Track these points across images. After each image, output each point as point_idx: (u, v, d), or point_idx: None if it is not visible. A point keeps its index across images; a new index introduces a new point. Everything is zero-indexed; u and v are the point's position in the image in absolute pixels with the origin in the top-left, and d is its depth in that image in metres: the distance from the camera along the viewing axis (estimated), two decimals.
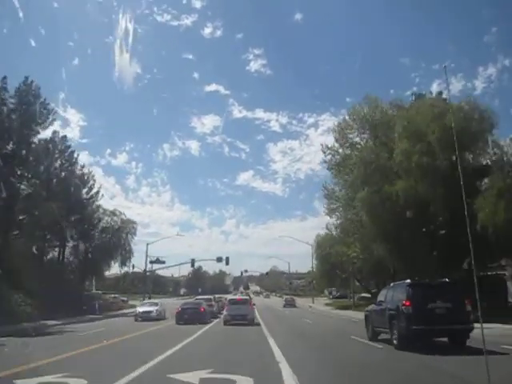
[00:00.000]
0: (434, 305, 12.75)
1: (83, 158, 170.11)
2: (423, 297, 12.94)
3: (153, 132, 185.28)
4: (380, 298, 15.88)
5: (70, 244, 45.20)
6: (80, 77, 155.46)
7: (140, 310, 31.71)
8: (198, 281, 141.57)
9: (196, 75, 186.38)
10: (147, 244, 67.13)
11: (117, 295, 75.90)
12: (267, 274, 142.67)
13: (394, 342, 13.28)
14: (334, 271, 48.89)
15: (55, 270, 42.52)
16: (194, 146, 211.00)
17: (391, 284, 15.99)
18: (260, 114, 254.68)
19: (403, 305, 12.85)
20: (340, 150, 32.38)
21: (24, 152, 31.27)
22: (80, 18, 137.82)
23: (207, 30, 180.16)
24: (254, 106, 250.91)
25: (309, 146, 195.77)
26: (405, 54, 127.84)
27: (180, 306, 27.90)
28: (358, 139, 31.97)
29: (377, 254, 27.69)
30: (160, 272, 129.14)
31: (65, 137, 44.20)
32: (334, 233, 36.41)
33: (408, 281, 13.95)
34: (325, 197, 37.05)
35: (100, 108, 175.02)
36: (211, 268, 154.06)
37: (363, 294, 53.86)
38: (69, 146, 43.61)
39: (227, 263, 67.94)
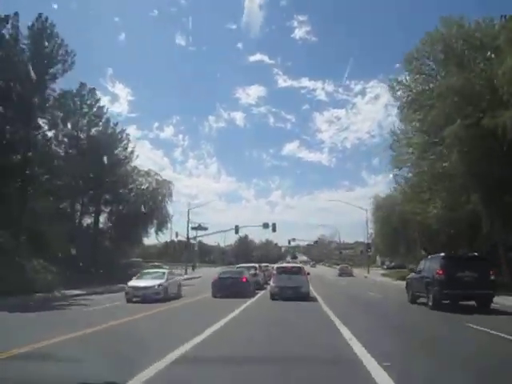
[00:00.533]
0: (463, 274, 15.11)
1: (131, 131, 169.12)
2: (454, 267, 15.37)
3: (198, 104, 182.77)
4: (419, 267, 18.57)
5: (105, 208, 41.78)
6: (127, 51, 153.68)
7: (133, 284, 20.11)
8: (244, 250, 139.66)
9: (240, 45, 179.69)
10: (188, 209, 63.69)
11: (160, 264, 74.13)
12: (316, 242, 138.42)
13: (430, 303, 15.82)
14: (397, 236, 42.79)
15: (88, 235, 39.49)
16: (239, 117, 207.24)
17: (428, 256, 19.23)
18: (305, 82, 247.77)
19: (437, 273, 15.40)
20: (413, 85, 25.77)
21: (38, 99, 26.92)
22: None
23: None
24: (299, 75, 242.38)
25: (356, 115, 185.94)
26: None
27: (218, 275, 23.19)
28: (435, 69, 25.11)
29: (468, 210, 21.51)
30: (205, 241, 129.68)
31: (93, 90, 39.98)
32: (405, 188, 29.82)
33: (442, 254, 16.74)
34: (391, 147, 30.59)
35: (147, 82, 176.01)
36: (258, 238, 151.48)
37: None
38: (98, 100, 39.51)
39: (274, 230, 63.31)
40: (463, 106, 20.17)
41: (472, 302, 15.89)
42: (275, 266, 24.15)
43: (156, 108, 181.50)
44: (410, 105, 25.91)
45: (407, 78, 26.34)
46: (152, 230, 45.97)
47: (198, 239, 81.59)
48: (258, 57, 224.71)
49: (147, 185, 43.36)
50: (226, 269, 30.18)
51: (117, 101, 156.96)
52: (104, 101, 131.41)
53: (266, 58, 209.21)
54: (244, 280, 22.38)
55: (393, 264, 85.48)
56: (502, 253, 23.73)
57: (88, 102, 38.81)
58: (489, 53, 22.48)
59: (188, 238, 63.10)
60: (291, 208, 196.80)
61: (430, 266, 16.66)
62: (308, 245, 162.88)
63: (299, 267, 22.24)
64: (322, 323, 11.97)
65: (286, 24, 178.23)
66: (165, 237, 67.55)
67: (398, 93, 26.71)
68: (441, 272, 15.23)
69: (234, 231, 69.38)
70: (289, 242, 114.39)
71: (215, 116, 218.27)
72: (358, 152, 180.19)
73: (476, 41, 23.64)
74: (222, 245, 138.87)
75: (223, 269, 31.07)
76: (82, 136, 37.77)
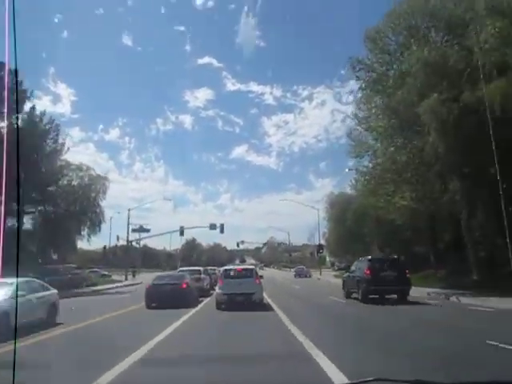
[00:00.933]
0: (385, 273, 19.01)
1: (75, 133, 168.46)
2: (378, 268, 19.37)
3: (146, 106, 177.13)
4: (352, 268, 22.24)
5: (31, 208, 36.41)
6: (70, 51, 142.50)
7: None
8: (191, 253, 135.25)
9: (188, 48, 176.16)
10: (129, 209, 58.64)
11: (98, 269, 68.00)
12: (265, 244, 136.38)
13: (359, 298, 19.48)
14: (351, 235, 40.55)
15: (10, 238, 33.97)
16: (187, 120, 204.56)
17: (359, 258, 22.88)
18: (254, 87, 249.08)
19: (365, 273, 19.25)
20: (375, 65, 23.09)
21: None
22: None
23: (199, 1, 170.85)
24: (247, 79, 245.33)
25: (303, 120, 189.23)
26: None
27: (152, 281, 19.24)
28: (398, 49, 22.60)
29: (444, 201, 19.08)
30: (151, 245, 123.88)
31: (16, 72, 34.41)
32: (366, 180, 27.00)
33: (369, 257, 22.04)
34: (348, 136, 27.76)
35: (91, 83, 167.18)
36: (206, 241, 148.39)
37: None
38: (20, 83, 34.09)
39: (222, 231, 59.61)
40: (438, 80, 17.62)
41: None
42: (222, 268, 20.05)
43: (101, 109, 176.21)
44: (373, 86, 23.22)
45: (369, 57, 23.64)
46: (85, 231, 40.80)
47: (141, 243, 75.77)
48: (206, 60, 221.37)
49: (78, 180, 38.31)
50: (164, 273, 26.08)
51: (59, 101, 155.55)
52: (45, 101, 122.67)
53: (214, 62, 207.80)
54: (184, 286, 18.55)
55: (343, 265, 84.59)
56: (471, 250, 21.58)
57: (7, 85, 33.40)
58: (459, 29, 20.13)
59: (128, 241, 57.92)
60: (240, 211, 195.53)
61: (360, 267, 20.52)
62: (257, 248, 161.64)
63: (251, 269, 18.69)
64: (285, 344, 8.58)
65: (234, 28, 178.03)
66: (104, 241, 62.06)
67: (359, 74, 23.94)
68: (368, 272, 19.01)
69: (180, 234, 64.93)
70: (237, 245, 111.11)
71: (163, 119, 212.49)
72: (305, 156, 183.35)
73: (442, 17, 21.33)
74: (168, 249, 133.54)
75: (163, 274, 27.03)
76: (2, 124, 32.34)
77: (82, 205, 38.01)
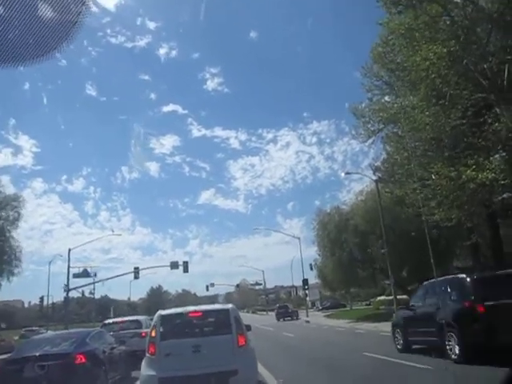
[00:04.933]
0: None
1: (37, 185, 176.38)
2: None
3: (110, 155, 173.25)
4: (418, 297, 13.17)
5: None
6: (31, 102, 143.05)
7: None
8: (157, 302, 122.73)
9: (153, 96, 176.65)
10: (69, 249, 47.07)
11: (36, 328, 55.66)
12: (237, 286, 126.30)
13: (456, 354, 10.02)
14: (353, 260, 31.05)
15: None
16: (153, 167, 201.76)
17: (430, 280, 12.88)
18: (219, 132, 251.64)
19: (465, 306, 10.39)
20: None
21: None
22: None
23: (162, 51, 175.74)
24: (212, 125, 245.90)
25: (269, 162, 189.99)
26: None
27: (13, 353, 9.01)
28: None
29: None
30: (113, 296, 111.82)
31: None
32: (387, 168, 17.96)
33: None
34: (352, 111, 19.28)
35: (55, 133, 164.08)
36: (175, 288, 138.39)
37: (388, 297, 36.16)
38: None
39: (186, 270, 49.04)
40: None
41: None
42: (157, 314, 9.11)
43: (64, 160, 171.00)
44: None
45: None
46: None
47: (98, 293, 64.11)
48: (171, 107, 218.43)
49: None
50: (47, 335, 14.90)
51: (20, 152, 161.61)
52: (5, 153, 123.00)
53: (179, 109, 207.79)
54: (80, 361, 8.42)
55: (329, 303, 74.70)
56: None
57: None
58: None
59: (67, 288, 46.06)
60: (209, 257, 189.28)
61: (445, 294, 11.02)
62: (228, 293, 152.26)
63: (224, 312, 8.32)
64: None
65: (199, 76, 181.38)
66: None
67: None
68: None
69: (134, 277, 53.58)
70: (207, 288, 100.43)
71: (128, 166, 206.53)
72: (272, 198, 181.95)
73: None
74: (132, 298, 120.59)
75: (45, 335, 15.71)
76: None
77: None
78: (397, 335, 13.23)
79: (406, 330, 12.51)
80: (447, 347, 10.11)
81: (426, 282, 12.91)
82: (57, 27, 2.25)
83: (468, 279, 10.51)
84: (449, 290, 10.95)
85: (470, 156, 14.22)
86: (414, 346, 12.34)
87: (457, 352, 9.74)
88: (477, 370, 8.57)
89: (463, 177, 13.65)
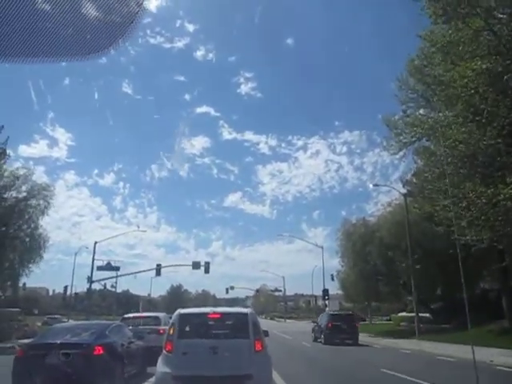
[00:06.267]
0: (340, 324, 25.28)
1: (69, 177, 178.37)
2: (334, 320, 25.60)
3: (142, 153, 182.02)
4: (318, 320, 28.87)
5: None
6: (70, 96, 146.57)
7: None
8: (177, 300, 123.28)
9: (187, 97, 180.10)
10: (95, 242, 48.24)
11: (58, 316, 56.94)
12: (257, 291, 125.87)
13: (322, 341, 25.20)
14: (375, 274, 30.55)
15: None
16: (182, 167, 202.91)
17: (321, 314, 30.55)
18: (249, 136, 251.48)
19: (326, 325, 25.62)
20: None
21: None
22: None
23: (199, 53, 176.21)
24: (243, 129, 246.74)
25: (297, 169, 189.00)
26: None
27: (34, 340, 9.26)
28: None
29: None
30: (133, 291, 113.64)
31: None
32: (416, 184, 17.75)
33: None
34: (385, 122, 19.08)
35: (90, 128, 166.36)
36: (195, 287, 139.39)
37: (408, 314, 35.22)
38: None
39: (207, 271, 49.44)
40: None
41: None
42: (176, 313, 9.10)
43: (97, 155, 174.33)
44: None
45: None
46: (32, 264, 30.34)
47: (120, 287, 65.39)
48: (204, 109, 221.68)
49: (14, 192, 28.46)
50: (68, 324, 15.39)
51: (56, 145, 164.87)
52: (42, 144, 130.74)
53: (212, 111, 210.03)
54: (98, 352, 8.60)
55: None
56: None
57: None
58: None
59: (91, 280, 47.06)
60: (231, 259, 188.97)
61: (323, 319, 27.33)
62: (247, 296, 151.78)
63: (242, 316, 8.30)
64: None
65: (233, 79, 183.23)
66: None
67: None
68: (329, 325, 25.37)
69: (156, 274, 54.39)
70: (227, 291, 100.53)
71: (158, 165, 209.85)
72: (298, 205, 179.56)
73: None
74: (152, 295, 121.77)
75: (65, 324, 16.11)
76: None
77: (16, 225, 28.08)
78: None
79: None
80: None
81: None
82: (113, 25, 2.33)
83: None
84: None
85: (504, 176, 13.81)
86: None
87: None
88: None
89: (500, 195, 13.26)
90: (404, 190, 28.06)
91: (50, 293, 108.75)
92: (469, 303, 11.01)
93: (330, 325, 24.80)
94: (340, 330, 24.37)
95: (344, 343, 23.66)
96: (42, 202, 29.16)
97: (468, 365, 6.77)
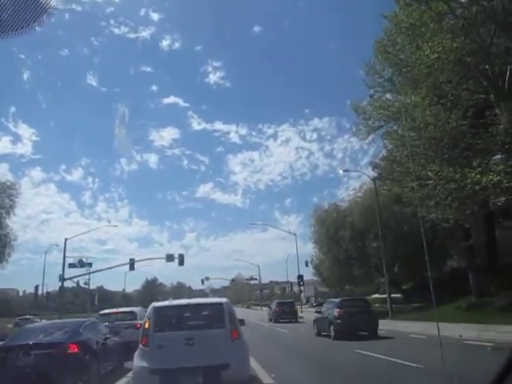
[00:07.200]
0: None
1: (35, 174, 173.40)
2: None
3: (109, 146, 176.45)
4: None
5: None
6: (32, 91, 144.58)
7: None
8: (152, 294, 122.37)
9: (154, 88, 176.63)
10: (65, 239, 47.01)
11: (30, 317, 55.59)
12: (233, 280, 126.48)
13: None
14: (349, 258, 31.15)
15: None
16: (152, 159, 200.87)
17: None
18: (219, 126, 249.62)
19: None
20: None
21: None
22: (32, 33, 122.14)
23: (165, 43, 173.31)
24: (213, 118, 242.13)
25: (268, 157, 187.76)
26: None
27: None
28: None
29: None
30: (107, 287, 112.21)
31: None
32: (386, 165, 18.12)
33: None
34: (354, 108, 19.28)
35: (54, 122, 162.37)
36: (170, 280, 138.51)
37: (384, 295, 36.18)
38: None
39: (181, 263, 48.95)
40: None
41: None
42: (150, 306, 9.02)
43: (63, 150, 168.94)
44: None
45: None
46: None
47: (94, 284, 64.24)
48: (172, 99, 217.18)
49: None
50: (40, 324, 14.92)
51: (20, 141, 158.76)
52: (4, 141, 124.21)
53: (180, 101, 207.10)
54: (72, 350, 8.42)
55: (322, 300, 74.68)
56: None
57: None
58: None
59: (63, 278, 46.01)
60: (206, 250, 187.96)
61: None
62: (223, 287, 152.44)
63: (217, 305, 8.24)
64: None
65: (201, 69, 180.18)
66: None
67: None
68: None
69: (129, 268, 53.57)
70: (202, 282, 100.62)
71: (127, 158, 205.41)
72: (270, 193, 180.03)
73: None
74: (127, 290, 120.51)
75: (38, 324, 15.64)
76: None
77: None
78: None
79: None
80: None
81: None
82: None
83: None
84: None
85: (469, 157, 14.20)
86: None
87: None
88: None
89: (468, 179, 13.64)
90: (374, 174, 28.54)
91: (21, 293, 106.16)
92: (438, 281, 11.39)
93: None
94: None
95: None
96: (7, 200, 28.21)
97: (438, 341, 7.02)
